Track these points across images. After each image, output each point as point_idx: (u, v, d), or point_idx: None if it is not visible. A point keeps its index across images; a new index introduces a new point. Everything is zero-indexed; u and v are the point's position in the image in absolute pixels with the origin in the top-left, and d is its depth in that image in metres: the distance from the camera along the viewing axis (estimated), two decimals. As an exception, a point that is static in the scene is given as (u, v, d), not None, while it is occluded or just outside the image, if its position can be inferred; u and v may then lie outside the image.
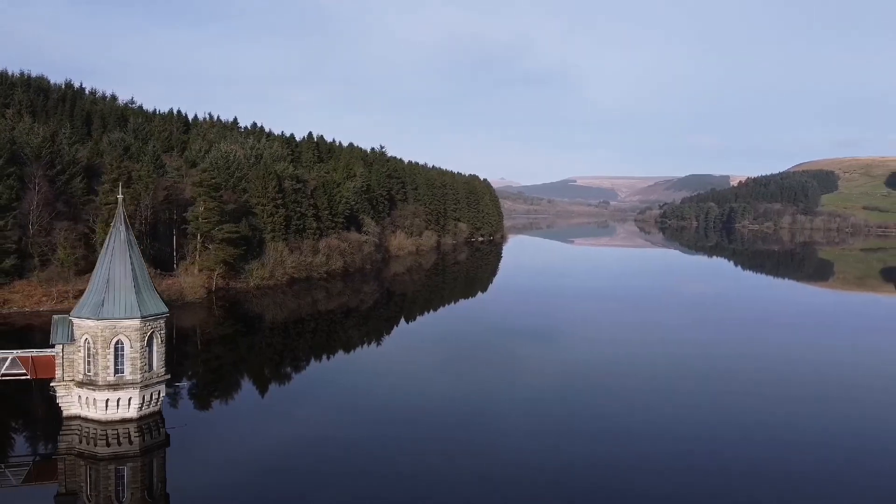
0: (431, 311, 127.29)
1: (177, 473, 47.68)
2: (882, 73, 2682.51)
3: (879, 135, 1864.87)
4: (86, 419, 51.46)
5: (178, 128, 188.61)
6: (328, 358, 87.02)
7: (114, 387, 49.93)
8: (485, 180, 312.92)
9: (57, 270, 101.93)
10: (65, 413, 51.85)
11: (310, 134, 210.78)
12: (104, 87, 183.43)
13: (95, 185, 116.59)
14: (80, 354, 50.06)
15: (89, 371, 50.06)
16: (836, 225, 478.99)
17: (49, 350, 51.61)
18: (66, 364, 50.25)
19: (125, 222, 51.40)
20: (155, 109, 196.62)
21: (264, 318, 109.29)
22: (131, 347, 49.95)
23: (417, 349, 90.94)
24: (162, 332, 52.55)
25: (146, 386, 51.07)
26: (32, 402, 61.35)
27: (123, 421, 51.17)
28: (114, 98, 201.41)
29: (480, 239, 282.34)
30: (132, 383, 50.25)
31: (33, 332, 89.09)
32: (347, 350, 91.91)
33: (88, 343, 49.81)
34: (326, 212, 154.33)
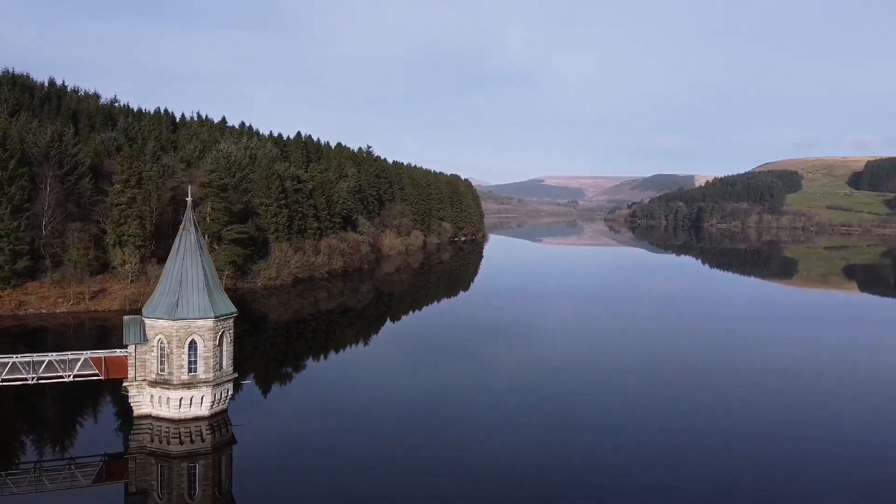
0: (424, 311, 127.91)
1: (242, 471, 48.71)
2: (839, 75, 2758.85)
3: (838, 136, 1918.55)
4: (157, 418, 52.23)
5: (166, 127, 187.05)
6: (355, 357, 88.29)
7: (187, 385, 50.82)
8: (466, 180, 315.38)
9: (70, 272, 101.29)
10: (135, 412, 52.50)
11: (298, 134, 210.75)
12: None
13: (100, 185, 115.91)
14: (153, 354, 50.79)
15: (163, 370, 50.83)
16: (802, 224, 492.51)
17: (120, 350, 52.19)
18: (138, 364, 50.90)
19: (194, 224, 52.31)
20: (140, 108, 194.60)
21: (282, 318, 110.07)
22: (204, 346, 50.91)
23: (411, 347, 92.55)
24: (231, 331, 53.56)
25: (217, 384, 52.07)
26: (101, 402, 61.96)
27: (196, 419, 52.09)
28: (97, 96, 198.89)
29: (463, 238, 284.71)
30: (205, 382, 51.20)
31: (46, 334, 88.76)
32: (365, 348, 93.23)
33: (162, 343, 50.59)
34: (325, 212, 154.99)
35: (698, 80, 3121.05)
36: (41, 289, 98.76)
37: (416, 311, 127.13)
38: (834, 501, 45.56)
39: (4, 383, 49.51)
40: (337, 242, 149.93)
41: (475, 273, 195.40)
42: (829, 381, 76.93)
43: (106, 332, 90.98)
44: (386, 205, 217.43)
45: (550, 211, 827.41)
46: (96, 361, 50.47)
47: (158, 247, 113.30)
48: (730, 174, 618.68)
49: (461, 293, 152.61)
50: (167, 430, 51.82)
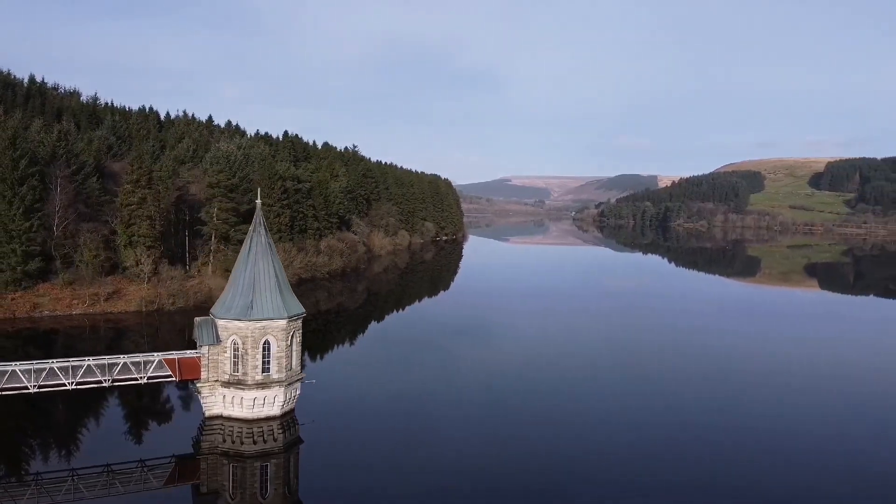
0: (409, 311, 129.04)
1: (308, 469, 49.47)
2: (796, 78, 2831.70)
3: (795, 137, 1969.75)
4: (228, 418, 52.47)
5: (153, 126, 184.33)
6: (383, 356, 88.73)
7: (262, 385, 51.21)
8: (446, 180, 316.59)
9: (81, 273, 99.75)
10: (207, 413, 52.68)
11: (285, 133, 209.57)
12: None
13: (105, 184, 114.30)
14: (226, 355, 51.03)
15: (236, 371, 51.11)
16: (766, 223, 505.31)
17: (192, 352, 52.27)
18: (210, 365, 51.09)
19: (264, 226, 52.69)
20: (124, 106, 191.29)
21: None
22: (277, 346, 51.36)
23: (402, 346, 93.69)
24: (299, 331, 54.02)
25: (289, 384, 52.52)
26: (166, 402, 62.02)
27: (268, 419, 52.52)
28: (77, 94, 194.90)
29: (444, 238, 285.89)
30: (278, 381, 51.66)
31: (58, 336, 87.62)
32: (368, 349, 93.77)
33: (236, 343, 50.86)
34: (323, 212, 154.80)
35: (659, 82, 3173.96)
36: (53, 290, 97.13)
37: (401, 311, 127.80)
38: (777, 484, 47.85)
39: (79, 386, 49.27)
40: (336, 242, 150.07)
41: (455, 273, 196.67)
42: (783, 375, 79.75)
43: (120, 333, 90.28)
44: (373, 205, 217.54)
45: (518, 210, 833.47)
46: (170, 363, 50.48)
47: (166, 247, 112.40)
48: (693, 175, 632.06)
49: (441, 293, 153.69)
50: (240, 430, 52.13)
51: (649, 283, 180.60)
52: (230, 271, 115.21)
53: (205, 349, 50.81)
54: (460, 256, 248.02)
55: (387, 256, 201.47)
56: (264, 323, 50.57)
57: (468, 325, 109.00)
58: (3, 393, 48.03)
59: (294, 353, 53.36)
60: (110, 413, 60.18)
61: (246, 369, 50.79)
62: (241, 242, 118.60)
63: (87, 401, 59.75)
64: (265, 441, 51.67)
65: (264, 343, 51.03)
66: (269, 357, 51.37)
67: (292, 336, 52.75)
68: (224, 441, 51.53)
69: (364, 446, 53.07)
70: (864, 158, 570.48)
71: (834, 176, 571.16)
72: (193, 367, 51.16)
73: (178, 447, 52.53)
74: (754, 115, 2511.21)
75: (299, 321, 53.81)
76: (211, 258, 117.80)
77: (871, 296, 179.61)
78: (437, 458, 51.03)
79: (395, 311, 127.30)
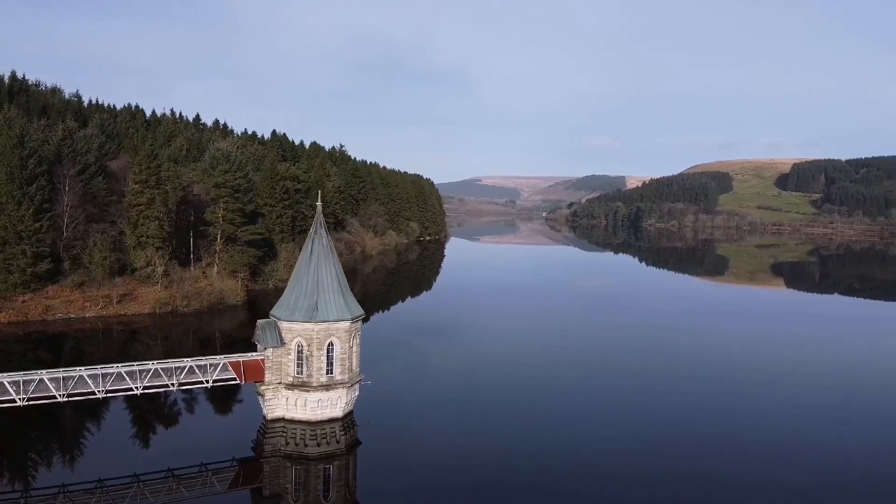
0: (394, 310, 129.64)
1: (367, 470, 49.69)
2: (756, 80, 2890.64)
3: (756, 138, 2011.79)
4: (290, 421, 52.27)
5: (141, 124, 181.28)
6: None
7: (326, 387, 51.17)
8: (428, 180, 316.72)
9: (91, 274, 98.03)
10: (269, 416, 52.40)
11: (273, 132, 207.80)
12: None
13: (110, 184, 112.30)
14: (289, 357, 50.87)
15: (301, 373, 50.99)
16: (735, 223, 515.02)
17: (254, 354, 51.95)
18: (273, 367, 50.91)
19: (325, 227, 52.62)
20: (109, 104, 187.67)
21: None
22: (341, 348, 51.36)
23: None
24: (359, 333, 54.06)
25: (351, 385, 52.56)
26: (224, 405, 61.59)
27: (330, 421, 52.44)
28: (59, 90, 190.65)
29: (428, 238, 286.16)
30: (341, 383, 51.67)
31: (67, 339, 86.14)
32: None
33: (301, 345, 50.73)
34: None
35: (624, 84, 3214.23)
36: (63, 292, 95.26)
37: (385, 312, 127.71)
38: (753, 478, 49.28)
39: (147, 391, 48.71)
40: (336, 243, 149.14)
41: (438, 272, 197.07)
42: (743, 370, 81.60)
43: (137, 336, 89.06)
44: (360, 205, 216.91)
45: (490, 210, 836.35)
46: (234, 366, 50.11)
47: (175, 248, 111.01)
48: (660, 175, 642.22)
49: (425, 293, 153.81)
50: (303, 432, 51.97)
51: (621, 282, 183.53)
52: (237, 272, 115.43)
53: (269, 351, 50.54)
54: (443, 256, 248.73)
55: (377, 257, 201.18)
56: (329, 324, 50.53)
57: (491, 327, 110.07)
58: (72, 399, 47.26)
59: (354, 355, 53.37)
60: (167, 417, 59.78)
61: (311, 371, 50.70)
62: (248, 243, 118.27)
63: (139, 405, 59.28)
64: (328, 443, 51.58)
65: (328, 345, 50.96)
66: (332, 359, 51.30)
67: (353, 337, 52.78)
68: (287, 444, 51.31)
69: (425, 445, 53.32)
70: (828, 160, 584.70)
71: (800, 177, 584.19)
72: (257, 369, 50.86)
73: (239, 450, 52.15)
74: (716, 116, 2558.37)
75: (359, 322, 53.85)
76: (216, 259, 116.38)
77: (836, 294, 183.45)
78: (483, 456, 51.48)
79: (392, 311, 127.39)
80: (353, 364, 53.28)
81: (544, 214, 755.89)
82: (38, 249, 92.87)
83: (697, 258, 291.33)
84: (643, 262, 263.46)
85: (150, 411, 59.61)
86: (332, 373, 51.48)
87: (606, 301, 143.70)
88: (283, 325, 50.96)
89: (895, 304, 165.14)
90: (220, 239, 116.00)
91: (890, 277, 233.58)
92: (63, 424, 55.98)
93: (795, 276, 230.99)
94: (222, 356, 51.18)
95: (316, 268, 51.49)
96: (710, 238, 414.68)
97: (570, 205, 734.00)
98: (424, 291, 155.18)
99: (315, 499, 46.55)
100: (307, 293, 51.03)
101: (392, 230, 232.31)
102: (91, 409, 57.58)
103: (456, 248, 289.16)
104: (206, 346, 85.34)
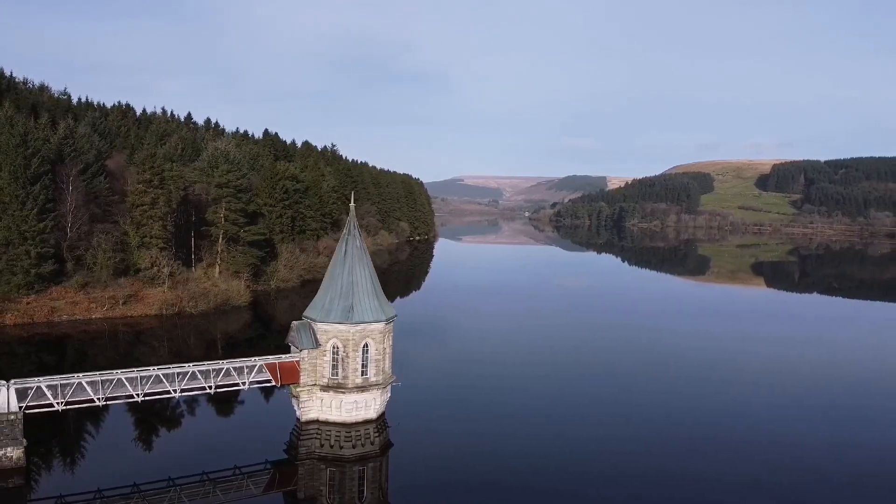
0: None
1: (398, 470, 49.69)
2: (736, 81, 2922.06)
3: (736, 139, 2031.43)
4: (325, 422, 52.04)
5: (133, 123, 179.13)
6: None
7: (361, 389, 51.04)
8: (418, 180, 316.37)
9: (95, 275, 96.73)
10: (303, 418, 52.11)
11: (265, 132, 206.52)
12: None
13: (111, 184, 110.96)
14: (325, 359, 50.67)
15: (336, 374, 50.80)
16: (717, 223, 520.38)
17: (290, 356, 51.64)
18: (308, 369, 50.68)
19: (358, 228, 52.47)
20: (98, 102, 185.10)
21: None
22: (375, 349, 51.26)
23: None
24: (391, 334, 53.96)
25: (385, 387, 52.48)
26: (257, 408, 61.16)
27: (365, 422, 52.30)
28: (47, 88, 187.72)
29: (417, 238, 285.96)
30: (376, 384, 51.58)
31: (70, 342, 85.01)
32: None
33: (336, 347, 50.54)
34: (319, 212, 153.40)
35: (605, 85, 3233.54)
36: (67, 294, 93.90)
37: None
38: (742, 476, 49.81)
39: (184, 393, 48.27)
40: (334, 243, 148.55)
41: (427, 272, 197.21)
42: (724, 370, 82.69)
43: (146, 338, 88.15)
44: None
45: (474, 210, 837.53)
46: (270, 368, 49.79)
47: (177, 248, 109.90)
48: (641, 176, 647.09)
49: (413, 293, 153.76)
50: (338, 434, 51.77)
51: (605, 282, 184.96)
52: (240, 273, 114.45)
53: (304, 353, 50.27)
54: (431, 256, 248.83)
55: (371, 257, 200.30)
56: (364, 325, 50.38)
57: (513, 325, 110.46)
58: (111, 402, 46.71)
59: (387, 356, 53.29)
60: (200, 420, 59.34)
61: (346, 373, 50.53)
62: (250, 244, 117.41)
63: (173, 408, 59.05)
64: (363, 445, 51.45)
65: (364, 346, 50.82)
66: (367, 360, 51.17)
67: (386, 339, 52.71)
68: (322, 446, 51.10)
69: (455, 447, 53.25)
70: (808, 161, 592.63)
71: (780, 178, 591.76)
72: (292, 371, 50.57)
73: (272, 453, 51.84)
74: (696, 117, 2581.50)
75: (392, 324, 53.75)
76: (218, 259, 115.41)
77: (815, 293, 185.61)
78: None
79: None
80: (386, 365, 53.19)
81: (527, 214, 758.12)
82: (41, 250, 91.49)
83: (680, 258, 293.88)
84: (626, 262, 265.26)
85: (184, 414, 59.24)
86: (366, 374, 51.31)
87: (591, 301, 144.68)
88: (319, 326, 50.71)
89: (874, 303, 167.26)
90: (222, 239, 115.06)
91: (868, 277, 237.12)
92: (99, 427, 55.48)
93: (776, 275, 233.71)
94: (258, 358, 50.84)
95: (350, 269, 51.34)
96: (693, 238, 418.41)
97: (554, 205, 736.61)
98: (414, 291, 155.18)
99: (350, 501, 46.42)
100: (342, 294, 50.84)
101: (384, 230, 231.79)
102: (128, 413, 57.20)
103: (444, 249, 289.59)
104: (216, 348, 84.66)
